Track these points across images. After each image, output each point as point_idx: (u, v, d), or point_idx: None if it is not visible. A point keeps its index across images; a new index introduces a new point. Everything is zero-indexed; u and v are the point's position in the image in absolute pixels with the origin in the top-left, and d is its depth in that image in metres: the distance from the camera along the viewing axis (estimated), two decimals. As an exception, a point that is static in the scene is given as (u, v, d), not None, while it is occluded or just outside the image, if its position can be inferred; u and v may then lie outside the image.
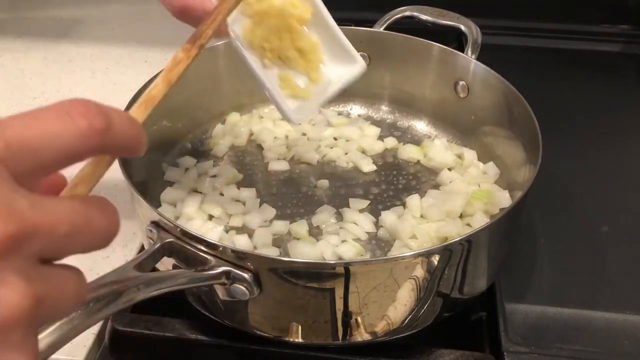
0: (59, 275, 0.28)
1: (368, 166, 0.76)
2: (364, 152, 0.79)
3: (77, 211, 0.28)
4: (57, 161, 0.28)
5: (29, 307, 0.25)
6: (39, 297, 0.26)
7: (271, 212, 0.69)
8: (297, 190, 0.73)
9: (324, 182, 0.74)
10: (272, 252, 0.64)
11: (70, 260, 0.29)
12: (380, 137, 0.81)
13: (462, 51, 0.77)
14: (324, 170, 0.77)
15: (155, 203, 0.69)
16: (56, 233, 0.26)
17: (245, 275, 0.50)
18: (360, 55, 0.80)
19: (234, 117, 0.83)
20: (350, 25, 0.82)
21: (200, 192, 0.72)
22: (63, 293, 0.28)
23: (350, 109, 0.86)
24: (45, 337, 0.39)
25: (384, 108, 0.85)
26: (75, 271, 0.29)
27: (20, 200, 0.26)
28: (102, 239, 0.29)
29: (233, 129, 0.81)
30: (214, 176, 0.74)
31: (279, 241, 0.66)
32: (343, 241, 0.66)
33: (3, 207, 0.25)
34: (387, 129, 0.83)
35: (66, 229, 0.27)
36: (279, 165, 0.77)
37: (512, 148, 0.70)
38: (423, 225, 0.66)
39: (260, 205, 0.70)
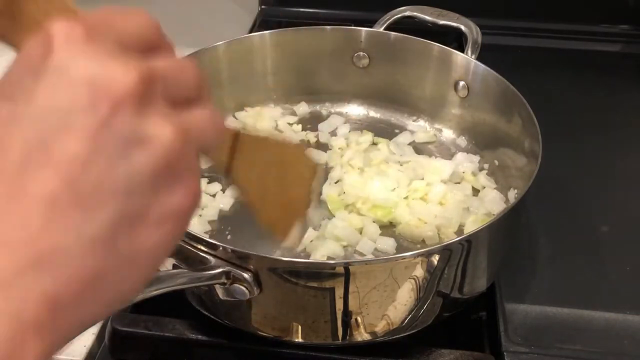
0: (193, 112, 0.28)
1: None
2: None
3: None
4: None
5: (181, 141, 0.26)
6: (184, 130, 0.26)
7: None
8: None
9: None
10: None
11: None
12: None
13: (462, 51, 0.77)
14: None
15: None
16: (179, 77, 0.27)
17: (245, 275, 0.50)
18: (361, 55, 0.82)
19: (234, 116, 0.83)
20: (350, 25, 0.83)
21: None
22: (203, 123, 0.28)
23: (351, 109, 0.86)
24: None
25: (384, 108, 0.85)
26: (207, 107, 0.29)
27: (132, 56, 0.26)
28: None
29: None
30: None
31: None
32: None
33: (120, 60, 0.25)
34: (387, 129, 0.83)
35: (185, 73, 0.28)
36: None
37: (512, 148, 0.70)
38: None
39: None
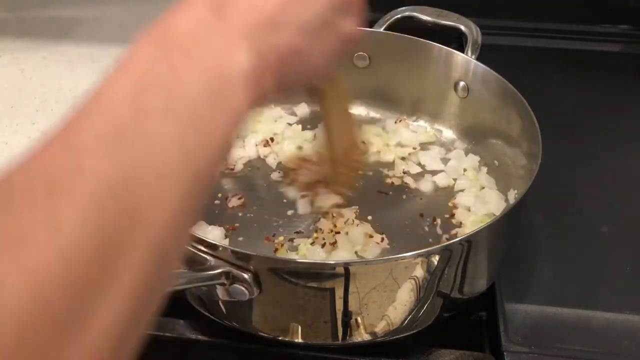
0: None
1: None
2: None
3: None
4: None
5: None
6: None
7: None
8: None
9: None
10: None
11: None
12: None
13: (462, 51, 0.77)
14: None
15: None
16: None
17: (245, 276, 0.50)
18: (360, 55, 0.82)
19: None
20: (350, 25, 0.82)
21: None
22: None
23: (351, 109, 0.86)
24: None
25: (384, 108, 0.85)
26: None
27: None
28: None
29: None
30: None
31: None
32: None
33: None
34: (387, 129, 0.83)
35: None
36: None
37: (512, 148, 0.70)
38: None
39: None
